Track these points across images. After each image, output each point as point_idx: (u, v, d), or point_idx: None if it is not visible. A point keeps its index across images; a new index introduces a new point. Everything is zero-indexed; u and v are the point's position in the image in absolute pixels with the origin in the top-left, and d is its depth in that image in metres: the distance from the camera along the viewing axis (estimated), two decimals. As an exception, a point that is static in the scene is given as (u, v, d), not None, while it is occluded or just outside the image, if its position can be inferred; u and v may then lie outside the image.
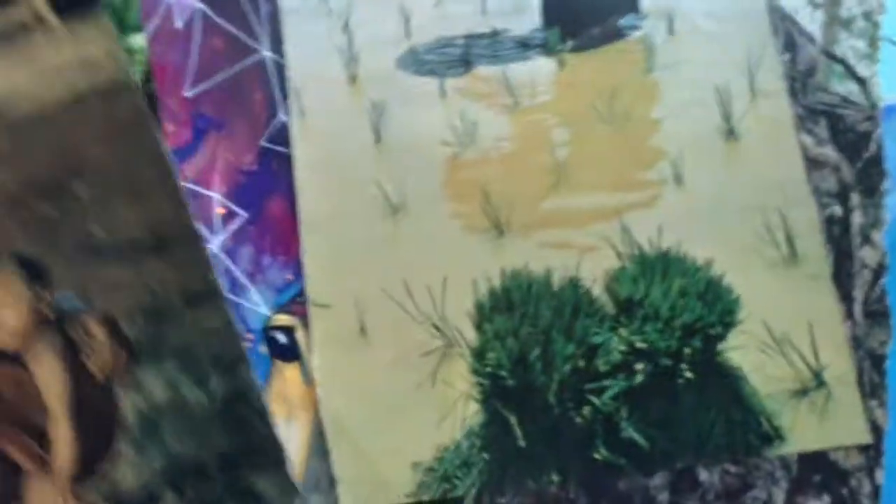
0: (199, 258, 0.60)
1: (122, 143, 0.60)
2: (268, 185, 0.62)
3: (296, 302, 0.60)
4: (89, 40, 0.60)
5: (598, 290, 0.60)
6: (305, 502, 0.57)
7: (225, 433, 0.58)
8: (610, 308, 0.59)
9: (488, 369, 0.58)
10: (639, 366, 0.58)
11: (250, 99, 0.64)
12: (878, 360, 0.59)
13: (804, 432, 0.57)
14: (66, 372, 0.56)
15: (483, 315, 0.59)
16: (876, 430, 0.58)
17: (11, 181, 0.59)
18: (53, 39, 0.60)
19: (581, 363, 0.58)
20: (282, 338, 0.59)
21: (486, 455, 0.57)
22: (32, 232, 0.59)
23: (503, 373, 0.57)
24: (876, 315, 0.60)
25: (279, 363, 0.59)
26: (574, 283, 0.60)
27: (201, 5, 0.65)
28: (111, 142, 0.60)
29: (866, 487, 0.57)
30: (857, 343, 0.59)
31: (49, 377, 0.56)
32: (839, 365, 0.58)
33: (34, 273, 0.58)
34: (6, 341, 0.56)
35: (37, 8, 0.60)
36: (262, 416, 0.58)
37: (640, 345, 0.58)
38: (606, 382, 0.57)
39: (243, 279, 0.61)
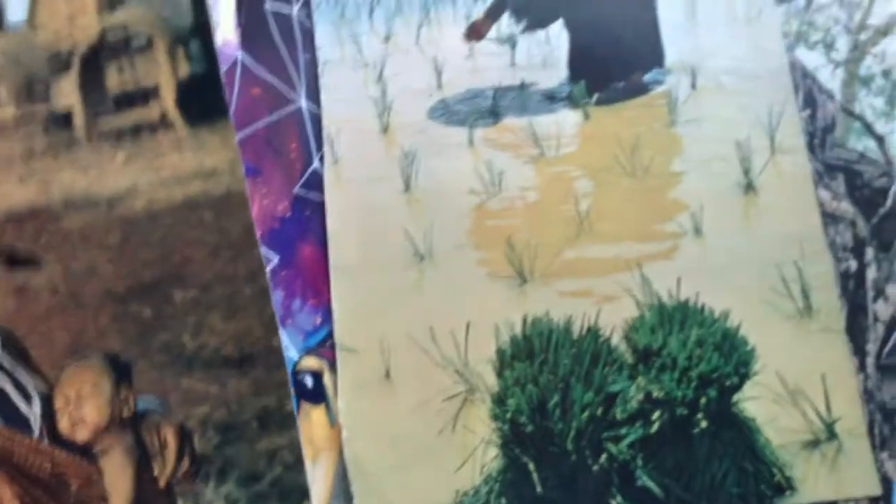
0: (280, 380, 0.61)
1: (226, 256, 0.62)
2: (300, 231, 0.65)
3: (324, 346, 0.63)
4: (212, 149, 0.63)
5: (617, 339, 0.62)
6: None
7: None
8: (629, 357, 0.61)
9: (508, 415, 0.60)
10: (655, 414, 0.60)
11: (287, 147, 0.67)
12: (889, 413, 0.60)
13: (815, 483, 0.59)
14: (133, 473, 0.58)
15: (504, 361, 0.61)
16: (886, 481, 0.59)
17: (115, 277, 0.61)
18: (177, 143, 0.63)
19: (599, 411, 0.59)
20: (309, 381, 0.62)
21: (503, 500, 0.59)
22: (126, 332, 0.61)
23: (522, 419, 0.59)
24: (888, 368, 0.61)
25: (306, 405, 0.61)
26: (594, 332, 0.62)
27: (242, 54, 0.68)
28: (216, 252, 0.62)
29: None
30: (869, 396, 0.61)
31: (117, 475, 0.57)
32: (851, 417, 0.60)
33: (121, 372, 0.59)
34: (83, 434, 0.58)
35: (167, 110, 0.63)
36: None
37: (657, 394, 0.60)
38: (623, 430, 0.59)
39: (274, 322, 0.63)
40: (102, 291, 0.61)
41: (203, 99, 0.64)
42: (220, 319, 0.61)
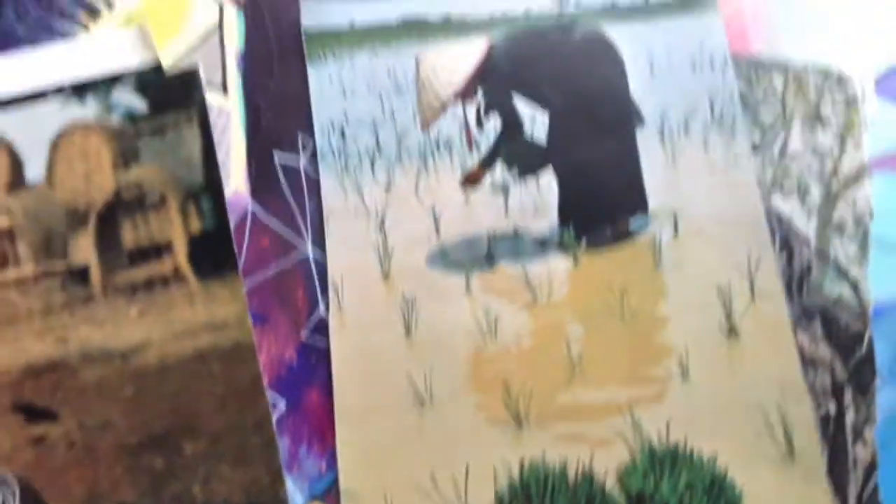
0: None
1: (235, 407, 0.65)
2: (307, 377, 0.68)
3: (330, 492, 0.65)
4: (222, 301, 0.66)
5: (611, 484, 0.65)
6: None
7: None
8: (622, 502, 0.64)
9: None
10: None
11: (293, 294, 0.70)
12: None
13: None
14: None
15: (502, 507, 0.64)
16: None
17: (128, 430, 0.64)
18: (189, 296, 0.66)
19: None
20: (318, 527, 0.64)
21: None
22: (139, 483, 0.64)
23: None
24: (868, 512, 0.65)
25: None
26: (588, 477, 0.65)
27: (253, 205, 0.71)
28: (224, 403, 0.65)
29: None
30: (850, 539, 0.64)
31: None
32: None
33: None
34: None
35: (179, 264, 0.66)
36: None
37: (649, 537, 0.63)
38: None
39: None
40: (116, 444, 0.63)
41: (214, 253, 0.68)
42: (228, 469, 0.64)
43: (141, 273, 0.67)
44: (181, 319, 0.66)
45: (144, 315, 0.66)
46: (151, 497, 0.63)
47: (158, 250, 0.67)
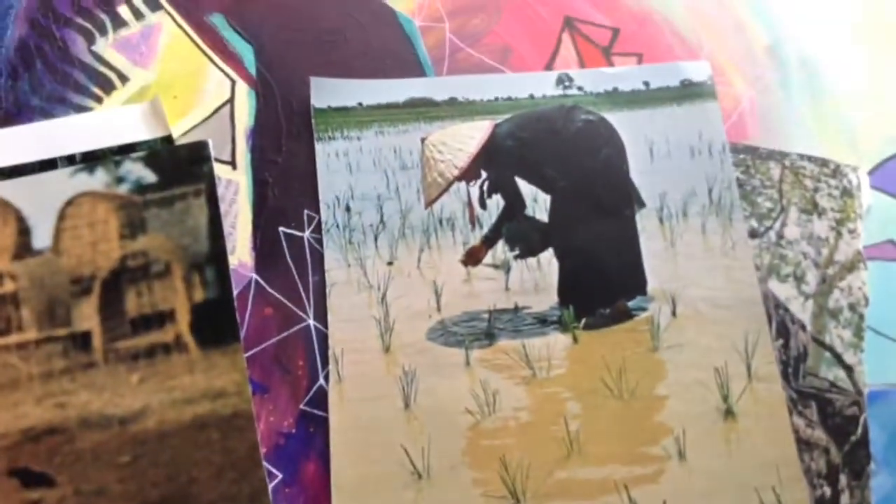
0: None
1: (231, 477, 0.65)
2: (304, 447, 0.68)
3: (327, 566, 0.65)
4: (222, 370, 0.67)
5: (606, 564, 0.64)
6: None
7: None
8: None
9: None
10: None
11: (294, 364, 0.70)
12: None
13: None
14: None
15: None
16: None
17: (124, 497, 0.64)
18: (190, 364, 0.66)
19: None
20: None
21: None
22: None
23: None
24: None
25: None
26: (584, 557, 0.64)
27: (256, 276, 0.72)
28: (221, 473, 0.65)
29: None
30: None
31: None
32: None
33: None
34: None
35: (181, 333, 0.67)
36: None
37: None
38: None
39: (279, 542, 0.66)
40: (115, 513, 0.63)
41: (216, 323, 0.68)
42: (223, 541, 0.63)
43: (143, 340, 0.67)
44: (181, 387, 0.66)
45: (145, 382, 0.66)
46: (144, 565, 0.62)
47: (161, 318, 0.68)
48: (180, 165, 0.72)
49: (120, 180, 0.72)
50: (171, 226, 0.70)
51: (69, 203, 0.71)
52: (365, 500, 0.67)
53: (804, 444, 0.68)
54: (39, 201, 0.71)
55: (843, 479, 0.67)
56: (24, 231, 0.70)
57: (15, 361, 0.66)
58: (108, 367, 0.66)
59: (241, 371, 0.67)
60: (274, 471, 0.67)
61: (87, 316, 0.68)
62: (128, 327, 0.68)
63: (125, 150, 0.73)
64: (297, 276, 0.73)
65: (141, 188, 0.71)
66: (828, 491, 0.67)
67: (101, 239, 0.69)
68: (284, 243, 0.73)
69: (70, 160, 0.73)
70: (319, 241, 0.74)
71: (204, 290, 0.69)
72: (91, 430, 0.65)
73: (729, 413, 0.69)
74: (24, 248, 0.69)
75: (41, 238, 0.70)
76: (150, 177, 0.72)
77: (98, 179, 0.72)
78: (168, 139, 0.75)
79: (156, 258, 0.69)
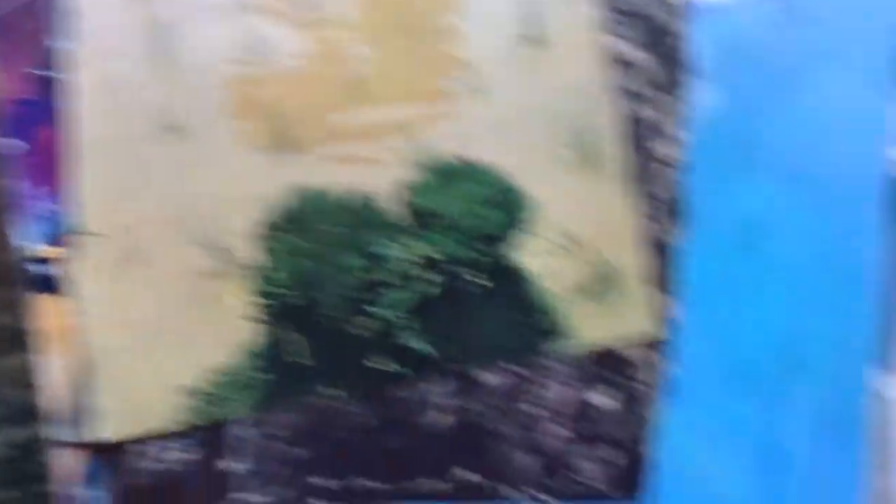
0: (15, 301, 0.55)
1: None
2: (41, 113, 0.58)
3: (64, 233, 0.56)
4: None
5: (390, 202, 0.56)
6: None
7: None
8: (407, 220, 0.56)
9: (271, 289, 0.54)
10: (434, 277, 0.55)
11: (24, 28, 0.60)
12: (672, 256, 0.57)
13: (593, 329, 0.55)
14: None
15: (267, 234, 0.56)
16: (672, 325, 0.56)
17: None
18: None
19: (370, 276, 0.54)
20: (47, 270, 0.55)
21: (264, 376, 0.54)
22: None
23: (285, 291, 0.54)
24: (677, 214, 0.58)
25: (43, 296, 0.55)
26: (366, 198, 0.56)
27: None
28: None
29: (658, 381, 0.55)
30: (657, 242, 0.57)
31: None
32: (629, 262, 0.56)
33: None
34: None
35: None
36: (43, 476, 0.54)
37: (436, 256, 0.55)
38: (395, 294, 0.54)
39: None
40: None
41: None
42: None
43: None
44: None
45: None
46: None
47: None
48: None
49: None
50: None
51: None
52: (114, 161, 0.58)
53: (620, 63, 0.60)
54: None
55: (660, 97, 0.59)
56: None
57: None
58: None
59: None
60: (11, 142, 0.58)
61: None
62: None
63: None
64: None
65: None
66: (645, 110, 0.59)
67: None
68: None
69: None
70: None
71: None
72: None
73: (535, 39, 0.60)
74: None
75: None
76: None
77: None
78: None
79: None
